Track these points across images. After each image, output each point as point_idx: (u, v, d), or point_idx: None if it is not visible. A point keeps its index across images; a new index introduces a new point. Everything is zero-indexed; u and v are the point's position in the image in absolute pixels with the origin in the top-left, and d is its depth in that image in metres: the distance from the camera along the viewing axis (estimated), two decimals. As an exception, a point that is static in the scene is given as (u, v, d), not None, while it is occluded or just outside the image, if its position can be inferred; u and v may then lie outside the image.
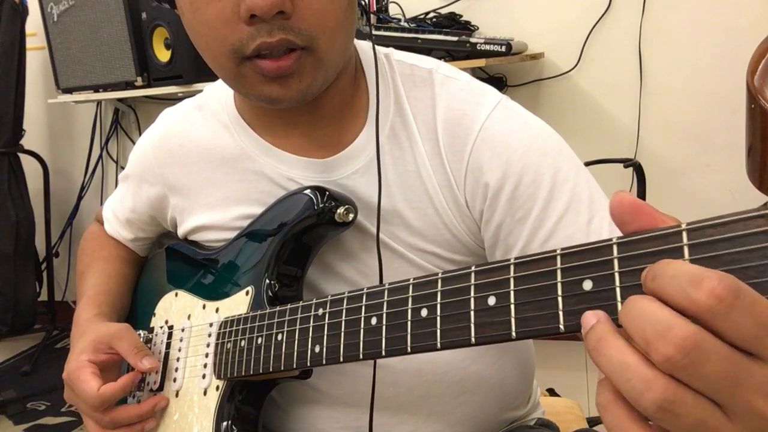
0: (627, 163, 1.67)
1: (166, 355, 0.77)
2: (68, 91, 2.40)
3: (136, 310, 0.89)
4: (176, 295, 0.81)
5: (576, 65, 2.06)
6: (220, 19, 0.58)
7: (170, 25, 2.03)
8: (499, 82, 2.11)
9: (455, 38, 1.79)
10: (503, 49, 1.74)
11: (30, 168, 2.55)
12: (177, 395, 0.74)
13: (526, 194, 0.64)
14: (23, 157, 2.50)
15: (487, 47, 1.75)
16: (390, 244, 0.68)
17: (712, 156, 1.97)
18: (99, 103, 2.66)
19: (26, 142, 2.51)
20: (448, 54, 1.85)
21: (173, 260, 0.85)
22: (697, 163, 1.99)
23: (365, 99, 0.70)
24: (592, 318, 0.33)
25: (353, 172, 0.69)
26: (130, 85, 2.22)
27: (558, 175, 0.64)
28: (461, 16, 2.05)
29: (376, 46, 0.71)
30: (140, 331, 0.81)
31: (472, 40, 1.78)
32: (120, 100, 2.56)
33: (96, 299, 0.82)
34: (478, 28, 2.07)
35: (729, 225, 0.31)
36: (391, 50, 0.73)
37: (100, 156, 2.73)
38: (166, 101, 2.42)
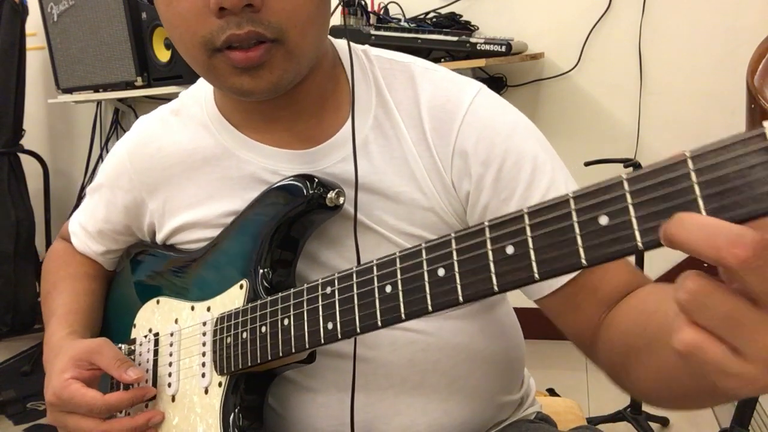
0: (627, 163, 1.67)
1: (155, 362, 0.76)
2: (68, 91, 2.40)
3: (110, 324, 0.86)
4: (158, 302, 0.79)
5: (576, 65, 2.06)
6: (192, 12, 0.59)
7: (170, 25, 2.03)
8: (499, 82, 2.11)
9: (455, 38, 1.79)
10: (503, 49, 1.74)
11: (30, 168, 2.55)
12: (173, 400, 0.73)
13: (509, 176, 0.67)
14: (23, 157, 2.51)
15: (487, 47, 1.75)
16: (376, 228, 0.69)
17: (712, 156, 1.97)
18: (99, 103, 2.66)
19: (26, 142, 2.51)
20: (448, 54, 1.85)
21: (148, 268, 0.82)
22: (697, 163, 1.99)
23: (346, 93, 0.71)
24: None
25: (339, 161, 0.70)
26: (130, 85, 2.21)
27: (538, 159, 0.67)
28: (461, 16, 2.06)
29: (351, 43, 0.73)
30: (121, 345, 0.78)
31: (472, 40, 1.78)
32: (120, 100, 2.56)
33: (66, 318, 0.80)
34: (478, 28, 2.07)
35: (729, 147, 0.34)
36: (367, 47, 0.75)
37: (100, 156, 2.73)
38: (166, 101, 2.42)
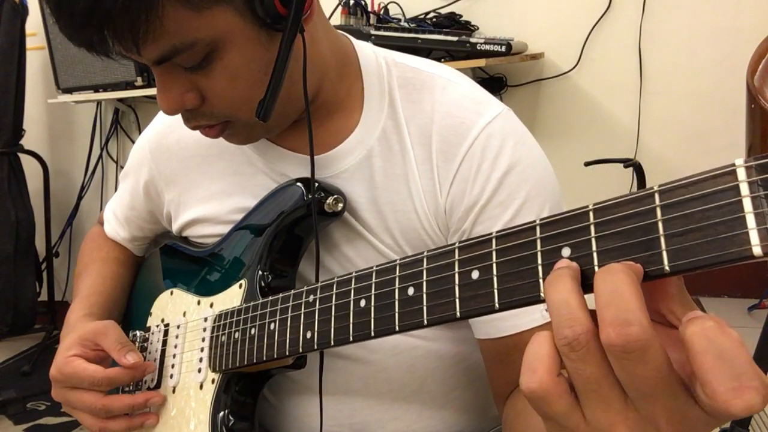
0: (627, 163, 1.67)
1: (163, 352, 0.78)
2: (68, 91, 2.40)
3: (132, 310, 0.89)
4: (172, 293, 0.81)
5: (576, 65, 2.06)
6: None
7: (170, 25, 2.03)
8: (499, 82, 2.11)
9: (455, 38, 1.79)
10: (503, 49, 1.74)
11: (30, 168, 2.55)
12: (174, 391, 0.74)
13: (492, 213, 0.65)
14: (23, 157, 2.50)
15: (487, 47, 1.75)
16: (372, 241, 0.70)
17: (712, 156, 1.97)
18: (99, 103, 2.66)
19: (26, 142, 2.51)
20: (448, 54, 1.85)
21: (168, 259, 0.85)
22: (697, 163, 1.99)
23: (360, 100, 0.71)
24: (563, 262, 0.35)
25: (342, 171, 0.70)
26: (130, 85, 2.21)
27: (525, 204, 0.65)
28: (461, 16, 2.06)
29: (377, 49, 0.72)
30: (137, 331, 0.81)
31: (472, 40, 1.78)
32: (120, 100, 2.56)
33: (88, 300, 0.83)
34: (478, 28, 2.07)
35: (699, 183, 0.32)
36: (394, 53, 0.74)
37: (100, 156, 2.73)
38: (166, 101, 2.42)
